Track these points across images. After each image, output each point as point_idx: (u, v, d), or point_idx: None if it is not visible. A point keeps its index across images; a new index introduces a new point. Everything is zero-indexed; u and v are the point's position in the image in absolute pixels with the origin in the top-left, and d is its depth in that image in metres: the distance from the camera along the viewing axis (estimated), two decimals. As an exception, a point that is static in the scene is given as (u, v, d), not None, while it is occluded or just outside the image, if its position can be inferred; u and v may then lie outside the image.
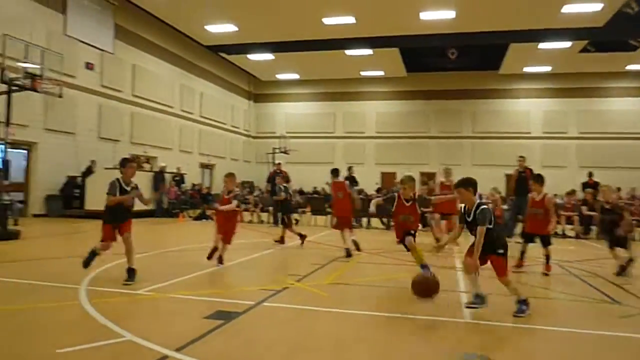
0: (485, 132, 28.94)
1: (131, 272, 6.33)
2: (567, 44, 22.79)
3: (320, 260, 8.72)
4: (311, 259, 8.98)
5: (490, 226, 5.09)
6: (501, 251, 5.16)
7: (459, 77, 28.82)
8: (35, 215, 16.28)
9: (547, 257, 8.07)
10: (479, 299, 5.19)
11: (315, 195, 24.43)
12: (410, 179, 7.16)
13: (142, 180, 18.37)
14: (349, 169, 17.72)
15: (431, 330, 4.64)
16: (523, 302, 5.19)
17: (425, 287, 5.35)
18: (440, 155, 29.33)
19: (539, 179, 8.36)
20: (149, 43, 21.88)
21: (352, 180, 17.60)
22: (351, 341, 4.22)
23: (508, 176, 19.42)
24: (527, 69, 27.43)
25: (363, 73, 29.57)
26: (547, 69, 27.13)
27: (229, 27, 21.96)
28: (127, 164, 6.64)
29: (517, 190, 13.15)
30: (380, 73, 29.55)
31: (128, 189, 6.49)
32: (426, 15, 19.71)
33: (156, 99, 22.46)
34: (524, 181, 12.12)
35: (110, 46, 19.22)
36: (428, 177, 28.88)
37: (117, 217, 6.41)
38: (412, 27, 21.13)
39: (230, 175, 8.16)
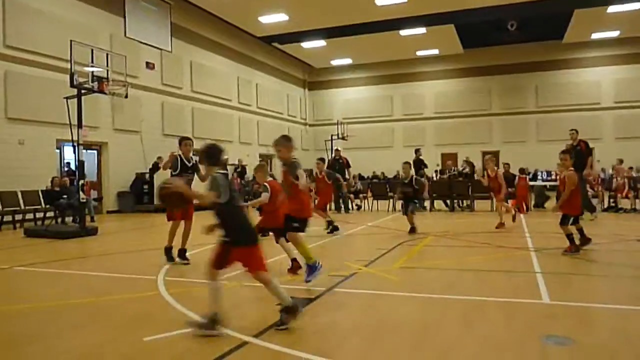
0: (551, 105, 27.68)
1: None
2: (637, 5, 21.30)
3: (386, 244, 8.66)
4: (376, 243, 8.94)
5: None
6: None
7: (520, 49, 27.64)
8: (109, 212, 17.12)
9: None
10: None
11: (376, 180, 24.30)
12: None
13: (206, 173, 18.94)
14: (417, 151, 17.40)
15: (510, 313, 4.50)
16: None
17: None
18: (503, 133, 28.42)
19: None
20: (204, 39, 22.35)
21: (420, 163, 17.33)
22: (428, 325, 4.15)
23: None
24: (594, 36, 25.90)
25: (419, 53, 28.95)
26: (614, 34, 25.49)
27: (280, 17, 22.05)
28: (183, 141, 7.52)
29: (574, 166, 12.59)
30: (436, 52, 28.84)
31: (189, 164, 6.93)
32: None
33: (215, 93, 22.97)
34: (579, 155, 11.57)
35: (169, 45, 19.76)
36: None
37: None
38: (467, 1, 20.43)
39: (259, 168, 7.16)
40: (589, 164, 11.97)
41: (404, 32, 24.65)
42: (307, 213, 5.98)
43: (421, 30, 24.36)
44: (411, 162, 17.52)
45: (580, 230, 7.39)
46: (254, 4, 20.47)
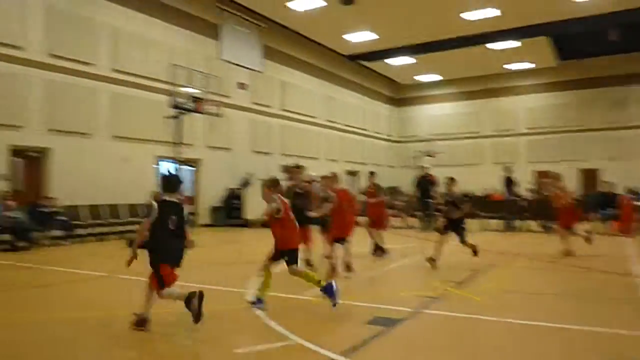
0: (660, 119, 25.54)
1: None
2: None
3: (476, 265, 8.35)
4: (465, 264, 8.64)
5: None
6: None
7: (623, 60, 25.81)
8: (203, 225, 17.92)
9: None
10: None
11: (465, 198, 23.61)
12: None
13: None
14: (507, 169, 16.71)
15: (610, 345, 4.17)
16: None
17: None
18: (604, 150, 26.54)
19: None
20: (293, 59, 23.01)
21: (509, 181, 16.64)
22: (519, 354, 3.95)
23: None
24: None
25: (508, 66, 27.93)
26: None
27: (367, 35, 22.23)
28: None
29: None
30: (529, 65, 27.68)
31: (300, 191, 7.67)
32: (582, -4, 18.07)
33: (302, 111, 23.50)
34: None
35: (260, 65, 20.56)
36: (586, 173, 26.42)
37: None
38: (563, 11, 19.48)
39: (327, 178, 7.14)
40: None
41: (493, 46, 23.92)
42: (293, 244, 5.71)
43: (513, 43, 23.53)
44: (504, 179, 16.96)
45: None
46: (342, 23, 20.79)
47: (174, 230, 4.78)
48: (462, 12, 19.54)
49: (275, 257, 5.69)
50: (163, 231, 4.73)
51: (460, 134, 30.17)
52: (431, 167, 16.87)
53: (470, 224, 16.05)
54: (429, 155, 25.24)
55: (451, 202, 8.67)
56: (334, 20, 20.16)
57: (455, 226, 8.48)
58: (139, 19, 15.84)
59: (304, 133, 23.56)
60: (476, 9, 19.21)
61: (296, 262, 5.68)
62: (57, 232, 12.18)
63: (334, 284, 5.35)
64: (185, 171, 16.58)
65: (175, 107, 11.62)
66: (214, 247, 12.42)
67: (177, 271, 4.78)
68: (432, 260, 8.09)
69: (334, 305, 5.20)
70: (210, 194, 18.23)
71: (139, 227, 4.90)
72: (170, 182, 5.06)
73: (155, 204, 4.75)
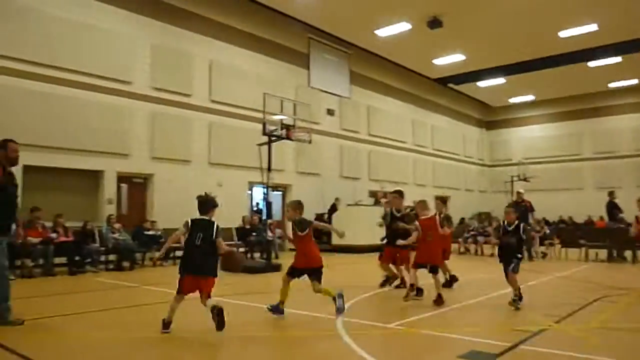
0: None
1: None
2: None
3: (579, 299, 7.75)
4: (569, 297, 8.06)
5: None
6: None
7: None
8: (291, 250, 18.18)
9: None
10: None
11: (563, 225, 22.23)
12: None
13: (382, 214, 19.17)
14: (610, 193, 15.60)
15: None
16: None
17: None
18: None
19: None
20: (380, 84, 23.10)
21: (613, 207, 15.48)
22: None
23: None
24: None
25: (612, 85, 26.23)
26: None
27: (456, 58, 21.89)
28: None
29: None
30: (634, 82, 25.83)
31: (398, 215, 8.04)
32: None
33: (390, 136, 23.44)
34: None
35: (347, 91, 20.86)
36: None
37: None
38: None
39: (292, 207, 6.88)
40: None
41: (592, 64, 22.62)
42: (316, 263, 6.64)
43: (615, 59, 22.12)
44: (606, 205, 15.75)
45: None
46: (429, 47, 20.65)
47: (199, 245, 5.48)
48: (559, 30, 18.74)
49: (291, 272, 6.59)
50: (189, 246, 5.52)
51: (557, 157, 28.64)
52: (525, 192, 16.03)
53: (572, 253, 15.11)
54: (524, 180, 24.07)
55: (510, 232, 7.42)
56: (421, 43, 20.08)
57: (510, 254, 7.39)
58: (233, 51, 16.71)
59: (392, 158, 23.43)
60: (573, 26, 18.36)
61: (319, 280, 6.40)
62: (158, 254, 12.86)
63: (340, 296, 6.32)
64: (275, 196, 17.03)
65: (268, 134, 12.01)
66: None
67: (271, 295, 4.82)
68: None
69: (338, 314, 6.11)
70: (299, 219, 18.49)
71: (171, 235, 5.82)
72: (202, 204, 5.76)
73: (189, 221, 5.58)
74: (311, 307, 7.17)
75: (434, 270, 7.36)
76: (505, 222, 7.52)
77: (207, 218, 5.69)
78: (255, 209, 19.21)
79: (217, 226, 5.65)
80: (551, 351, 4.85)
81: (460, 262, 14.87)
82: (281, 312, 6.36)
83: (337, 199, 18.50)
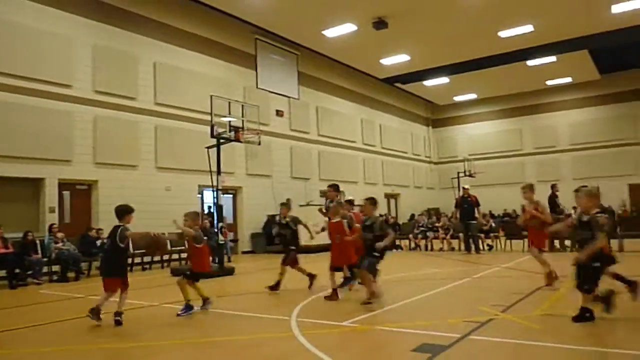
0: None
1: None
2: None
3: (523, 288, 8.07)
4: (511, 287, 8.36)
5: None
6: None
7: (668, 71, 25.02)
8: (244, 252, 18.07)
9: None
10: None
11: (507, 219, 23.05)
12: None
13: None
14: (553, 186, 16.22)
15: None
16: None
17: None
18: (653, 163, 25.56)
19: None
20: (329, 84, 23.26)
21: (553, 199, 16.18)
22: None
23: None
24: None
25: (549, 82, 27.44)
26: None
27: (402, 58, 22.30)
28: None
29: None
30: (568, 79, 27.12)
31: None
32: (618, 8, 17.67)
33: (340, 136, 23.64)
34: None
35: (296, 92, 20.89)
36: (637, 188, 25.41)
37: None
38: (602, 24, 19.12)
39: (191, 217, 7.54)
40: None
41: (531, 62, 23.60)
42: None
43: (551, 58, 23.16)
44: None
45: None
46: (376, 48, 20.95)
47: (107, 249, 6.60)
48: (498, 31, 19.43)
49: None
50: (103, 251, 6.91)
51: (500, 153, 29.71)
52: (470, 188, 16.53)
53: (517, 245, 15.70)
54: (470, 175, 24.83)
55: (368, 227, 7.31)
56: (368, 44, 20.34)
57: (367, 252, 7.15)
58: (178, 52, 16.42)
59: (342, 157, 23.64)
60: (511, 27, 19.08)
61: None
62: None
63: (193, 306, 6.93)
64: (226, 199, 16.85)
65: (216, 137, 11.87)
66: (256, 274, 12.48)
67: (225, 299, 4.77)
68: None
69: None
70: (251, 221, 18.41)
71: None
72: (115, 212, 6.56)
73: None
74: (268, 309, 7.14)
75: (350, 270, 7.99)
76: (363, 217, 7.58)
77: (117, 224, 6.47)
78: (206, 212, 18.94)
79: (121, 229, 6.38)
80: (498, 339, 5.03)
81: (410, 257, 15.18)
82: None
83: (288, 200, 18.47)
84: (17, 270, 10.82)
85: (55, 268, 11.82)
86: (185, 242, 7.63)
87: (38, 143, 12.62)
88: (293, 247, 8.86)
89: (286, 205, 9.49)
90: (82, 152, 13.64)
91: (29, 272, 11.17)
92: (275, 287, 8.66)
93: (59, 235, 12.01)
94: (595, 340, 5.00)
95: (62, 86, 13.34)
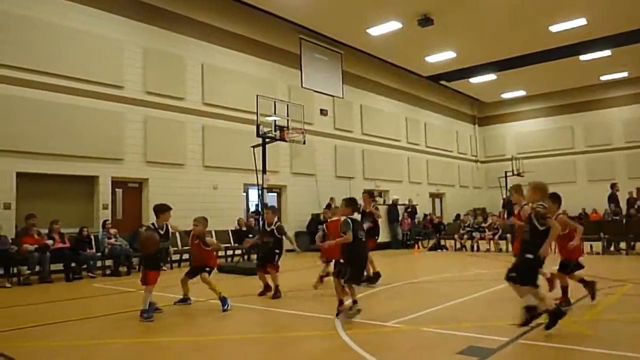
0: None
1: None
2: None
3: (574, 292, 7.81)
4: (561, 291, 8.10)
5: None
6: None
7: None
8: (287, 251, 18.16)
9: None
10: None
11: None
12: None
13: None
14: (613, 186, 15.64)
15: None
16: None
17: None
18: None
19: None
20: (373, 83, 23.15)
21: (613, 199, 15.60)
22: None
23: None
24: None
25: (603, 78, 26.38)
26: None
27: (447, 55, 21.93)
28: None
29: None
30: (624, 74, 25.99)
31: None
32: (679, -2, 16.82)
33: (384, 135, 23.48)
34: None
35: (340, 91, 20.90)
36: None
37: None
38: (659, 15, 18.21)
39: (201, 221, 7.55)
40: None
41: (584, 57, 22.75)
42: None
43: (605, 52, 22.25)
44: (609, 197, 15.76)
45: None
46: (421, 45, 20.69)
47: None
48: (549, 25, 18.84)
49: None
50: None
51: (550, 151, 28.77)
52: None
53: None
54: (518, 175, 24.19)
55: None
56: (413, 42, 20.12)
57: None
58: (225, 53, 16.71)
59: (387, 156, 23.49)
60: (563, 20, 18.46)
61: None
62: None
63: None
64: (271, 197, 17.05)
65: (262, 136, 12.03)
66: (299, 272, 12.58)
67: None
68: None
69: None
70: (294, 220, 18.54)
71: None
72: (155, 210, 7.24)
73: None
74: (311, 307, 7.20)
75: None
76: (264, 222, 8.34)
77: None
78: (253, 210, 19.23)
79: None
80: (548, 344, 4.90)
81: (456, 258, 14.95)
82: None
83: (331, 199, 18.54)
84: (73, 264, 11.30)
85: (108, 262, 12.29)
86: (189, 242, 7.67)
87: (92, 142, 13.13)
88: (277, 251, 8.51)
89: (271, 209, 9.27)
90: (133, 152, 14.10)
91: (84, 266, 11.65)
92: (263, 293, 8.38)
93: (112, 231, 12.46)
94: (652, 347, 4.79)
95: (114, 87, 13.82)
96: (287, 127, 12.72)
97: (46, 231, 11.37)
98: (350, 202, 6.59)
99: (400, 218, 19.70)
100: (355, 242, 6.15)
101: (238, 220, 15.64)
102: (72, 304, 8.26)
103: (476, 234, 17.14)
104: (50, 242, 11.11)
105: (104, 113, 13.47)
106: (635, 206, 15.99)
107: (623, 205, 17.63)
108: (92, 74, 13.32)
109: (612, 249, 14.88)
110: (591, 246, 14.88)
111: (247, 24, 17.45)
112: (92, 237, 12.21)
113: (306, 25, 18.92)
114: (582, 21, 18.47)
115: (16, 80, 11.93)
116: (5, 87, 11.76)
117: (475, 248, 17.04)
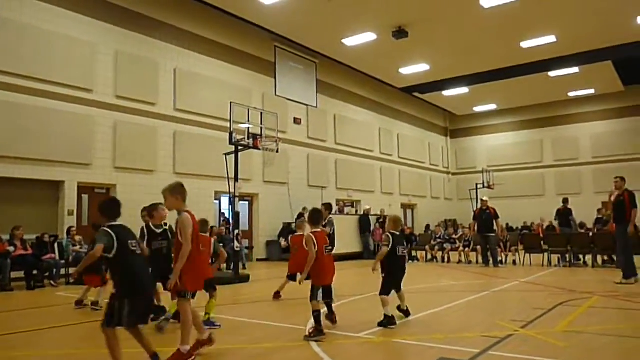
0: None
1: None
2: None
3: (544, 303, 7.89)
4: (531, 302, 8.19)
5: None
6: None
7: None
8: (259, 260, 18.03)
9: None
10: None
11: (526, 232, 22.70)
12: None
13: (349, 223, 19.19)
14: (565, 201, 16.21)
15: None
16: None
17: None
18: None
19: None
20: (347, 93, 23.24)
21: (568, 213, 16.03)
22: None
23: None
24: None
25: (571, 94, 27.08)
26: None
27: (421, 67, 22.18)
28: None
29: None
30: (591, 91, 26.73)
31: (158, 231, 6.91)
32: (645, 19, 17.39)
33: (357, 145, 23.55)
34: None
35: (314, 100, 20.90)
36: None
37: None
38: (626, 35, 18.79)
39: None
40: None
41: (553, 73, 23.31)
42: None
43: (574, 69, 22.85)
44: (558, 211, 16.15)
45: None
46: (395, 57, 20.87)
47: None
48: (520, 41, 19.24)
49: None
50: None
51: (520, 164, 29.32)
52: (489, 199, 16.29)
53: (536, 259, 15.40)
54: (489, 187, 24.54)
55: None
56: (387, 53, 20.28)
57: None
58: (198, 59, 16.54)
59: (360, 166, 23.55)
60: (534, 37, 18.88)
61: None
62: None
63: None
64: (242, 206, 16.85)
65: (235, 144, 11.88)
66: (271, 282, 12.40)
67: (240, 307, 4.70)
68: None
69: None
70: (266, 228, 18.39)
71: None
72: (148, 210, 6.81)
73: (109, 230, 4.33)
74: (282, 317, 7.07)
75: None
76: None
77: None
78: (222, 219, 18.97)
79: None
80: (518, 356, 4.88)
81: (427, 269, 14.99)
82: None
83: (304, 209, 18.43)
84: (35, 272, 10.90)
85: (72, 270, 11.90)
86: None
87: (59, 146, 12.76)
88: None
89: (154, 207, 7.33)
90: (101, 157, 13.76)
91: (47, 274, 11.25)
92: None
93: (77, 238, 12.09)
94: (623, 357, 4.82)
95: (84, 90, 13.49)
96: (261, 135, 12.60)
97: (7, 237, 10.96)
98: (315, 212, 6.42)
99: (372, 228, 19.70)
100: (394, 255, 6.59)
101: (211, 229, 15.35)
102: (33, 313, 7.94)
103: (447, 245, 17.23)
104: (11, 248, 10.71)
105: (72, 116, 13.12)
106: (603, 219, 16.36)
107: (586, 219, 18.05)
108: (62, 76, 12.97)
109: (577, 261, 15.17)
110: (558, 259, 15.13)
111: (222, 31, 17.31)
112: (56, 244, 11.82)
113: (282, 33, 18.89)
114: (552, 38, 18.94)
115: (-21, 81, 11.54)
116: (-33, 87, 11.35)
117: (446, 259, 17.12)
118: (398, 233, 6.78)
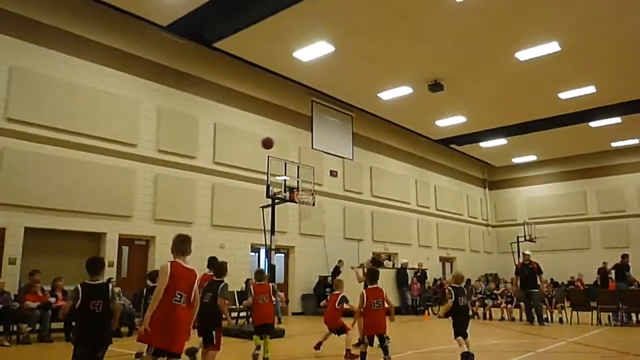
0: None
1: None
2: None
3: None
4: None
5: None
6: None
7: None
8: (294, 314, 17.76)
9: None
10: None
11: (572, 287, 21.72)
12: None
13: (387, 277, 18.82)
14: (623, 256, 15.41)
15: None
16: None
17: None
18: None
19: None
20: (383, 145, 23.34)
21: (625, 268, 15.31)
22: None
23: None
24: None
25: (614, 144, 26.43)
26: None
27: (458, 120, 22.19)
28: None
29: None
30: (635, 141, 26.03)
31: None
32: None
33: (393, 197, 23.40)
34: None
35: (350, 153, 21.06)
36: None
37: None
38: (668, 84, 18.41)
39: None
40: None
41: (594, 124, 22.87)
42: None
43: (615, 119, 22.38)
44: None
45: None
46: (431, 109, 20.99)
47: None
48: (558, 93, 19.10)
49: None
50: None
51: (562, 217, 28.44)
52: (531, 253, 15.70)
53: (584, 317, 14.62)
54: (530, 240, 23.79)
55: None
56: (423, 106, 20.44)
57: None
58: (237, 113, 17.04)
59: (396, 218, 23.32)
60: (572, 88, 18.72)
61: None
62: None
63: None
64: (278, 258, 16.79)
65: (271, 197, 11.98)
66: (306, 337, 12.13)
67: None
68: None
69: None
70: (302, 282, 18.24)
71: None
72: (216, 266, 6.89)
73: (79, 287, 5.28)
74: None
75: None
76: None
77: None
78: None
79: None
80: None
81: (469, 326, 14.39)
82: None
83: (340, 261, 18.23)
84: (74, 323, 10.99)
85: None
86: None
87: (101, 199, 13.13)
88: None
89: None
90: (142, 209, 14.08)
91: (85, 326, 11.32)
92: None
93: (116, 289, 12.19)
94: None
95: (128, 145, 13.99)
96: (297, 188, 12.68)
97: (49, 288, 11.17)
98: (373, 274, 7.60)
99: (409, 282, 19.22)
100: (457, 305, 7.53)
101: (246, 282, 15.31)
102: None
103: (489, 301, 16.60)
104: (52, 299, 10.89)
105: (116, 170, 13.57)
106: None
107: (636, 274, 17.18)
108: (107, 131, 13.51)
109: (630, 320, 14.33)
110: (609, 317, 14.33)
111: (260, 86, 17.83)
112: (96, 296, 11.94)
113: (318, 88, 19.33)
114: (591, 89, 18.72)
115: (31, 136, 12.11)
116: (20, 142, 11.92)
117: (488, 316, 16.44)
118: (459, 286, 7.70)
